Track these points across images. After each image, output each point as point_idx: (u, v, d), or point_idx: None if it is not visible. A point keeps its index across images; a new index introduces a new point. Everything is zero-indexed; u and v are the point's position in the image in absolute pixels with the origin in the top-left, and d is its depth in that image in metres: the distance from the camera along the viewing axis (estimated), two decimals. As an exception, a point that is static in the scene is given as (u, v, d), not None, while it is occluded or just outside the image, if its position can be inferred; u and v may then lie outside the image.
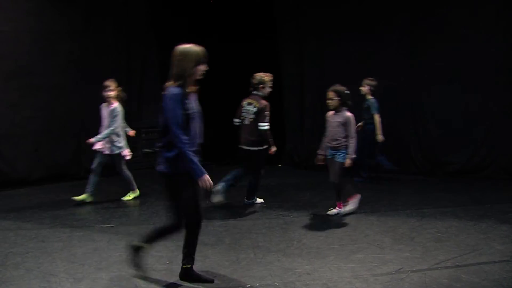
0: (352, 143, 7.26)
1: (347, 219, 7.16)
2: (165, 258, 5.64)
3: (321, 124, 11.64)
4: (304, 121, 11.90)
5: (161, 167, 4.75)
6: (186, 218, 4.82)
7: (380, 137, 9.68)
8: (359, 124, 9.73)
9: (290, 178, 10.33)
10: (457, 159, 10.16)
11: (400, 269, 5.16)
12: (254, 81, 7.95)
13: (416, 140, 10.71)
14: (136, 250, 5.03)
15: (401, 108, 10.63)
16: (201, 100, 5.12)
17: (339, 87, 7.39)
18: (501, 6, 9.63)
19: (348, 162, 7.26)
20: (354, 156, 7.28)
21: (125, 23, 11.28)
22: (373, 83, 9.83)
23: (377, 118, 9.69)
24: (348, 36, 11.27)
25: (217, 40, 12.31)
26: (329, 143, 7.44)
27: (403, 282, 4.81)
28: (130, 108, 11.51)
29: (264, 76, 7.94)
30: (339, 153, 7.32)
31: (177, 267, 5.31)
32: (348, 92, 7.40)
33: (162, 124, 4.70)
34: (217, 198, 7.88)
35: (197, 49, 4.85)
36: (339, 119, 7.34)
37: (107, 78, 8.64)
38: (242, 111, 8.01)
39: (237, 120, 8.11)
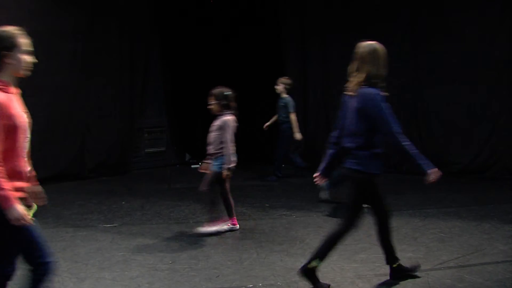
0: (228, 150, 6.60)
1: (350, 219, 7.15)
2: (168, 258, 5.64)
3: (325, 124, 11.77)
4: (307, 121, 11.90)
5: (354, 166, 4.65)
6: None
7: (298, 135, 9.78)
8: (267, 124, 10.34)
9: (293, 178, 10.32)
10: (461, 159, 10.15)
11: (403, 269, 5.16)
12: None
13: (418, 139, 10.69)
14: (311, 273, 4.71)
15: (404, 107, 10.61)
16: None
17: (217, 90, 6.80)
18: (506, 6, 9.63)
19: (225, 173, 6.59)
20: (231, 165, 6.61)
21: (128, 23, 11.28)
22: (288, 81, 9.94)
23: (293, 116, 9.79)
24: (351, 36, 11.24)
25: (221, 40, 12.34)
26: (208, 149, 6.86)
27: (406, 283, 4.82)
28: (133, 108, 11.56)
29: None
30: (216, 161, 6.71)
31: (180, 266, 5.34)
32: (229, 93, 6.77)
33: (351, 126, 4.65)
34: (323, 195, 8.16)
35: (382, 48, 4.78)
36: (218, 123, 6.71)
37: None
38: None
39: None
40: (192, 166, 12.53)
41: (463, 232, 6.39)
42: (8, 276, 3.54)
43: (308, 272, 4.68)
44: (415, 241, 6.08)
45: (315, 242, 6.10)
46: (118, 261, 5.57)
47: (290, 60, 12.11)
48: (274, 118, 10.31)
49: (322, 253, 4.72)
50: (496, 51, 9.63)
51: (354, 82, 4.62)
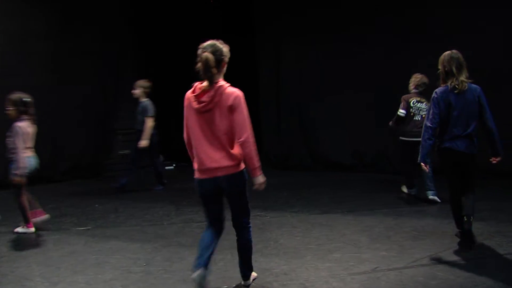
0: (19, 156, 6.53)
1: (323, 219, 7.19)
2: (142, 260, 5.61)
3: (298, 125, 11.83)
4: (281, 122, 11.95)
5: (470, 149, 5.70)
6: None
7: (144, 143, 9.12)
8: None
9: (267, 178, 10.28)
10: (432, 158, 10.24)
11: (376, 267, 5.20)
12: (417, 82, 8.23)
13: (391, 139, 10.79)
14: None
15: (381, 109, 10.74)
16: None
17: (15, 96, 6.78)
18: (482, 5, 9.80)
19: (16, 179, 6.55)
20: (23, 172, 6.59)
21: (102, 24, 11.22)
22: (147, 84, 9.34)
23: (149, 122, 9.10)
24: (326, 37, 11.36)
25: (196, 42, 12.32)
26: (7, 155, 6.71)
27: (380, 281, 4.85)
28: (106, 110, 11.48)
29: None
30: (12, 166, 6.62)
31: (154, 268, 5.31)
32: (27, 100, 6.82)
33: (470, 116, 5.67)
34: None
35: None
36: (12, 129, 6.63)
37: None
38: (412, 106, 8.16)
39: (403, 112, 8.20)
40: (166, 167, 12.50)
41: (435, 230, 6.47)
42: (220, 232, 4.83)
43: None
44: (388, 240, 6.13)
45: (289, 242, 6.15)
46: (91, 264, 5.53)
47: (263, 61, 12.16)
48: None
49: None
50: (469, 51, 9.76)
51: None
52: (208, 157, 4.41)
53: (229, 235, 6.47)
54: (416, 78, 8.32)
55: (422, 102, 8.13)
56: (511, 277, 4.81)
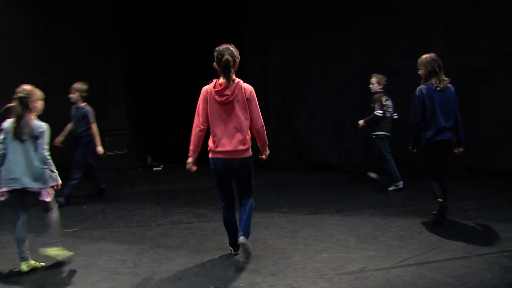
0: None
1: (311, 219, 7.20)
2: (130, 262, 5.59)
3: (287, 124, 11.84)
4: (270, 121, 11.95)
5: (453, 139, 6.63)
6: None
7: (101, 149, 8.68)
8: (60, 138, 8.63)
9: (255, 179, 10.30)
10: (419, 158, 10.32)
11: (364, 268, 5.22)
12: (382, 81, 8.89)
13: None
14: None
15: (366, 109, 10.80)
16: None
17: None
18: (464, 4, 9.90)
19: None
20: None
21: (88, 24, 11.14)
22: (84, 87, 8.66)
23: (95, 127, 8.61)
24: (314, 37, 11.40)
25: (184, 42, 12.30)
26: None
27: (367, 281, 4.86)
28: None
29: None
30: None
31: (142, 270, 5.30)
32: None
33: (452, 110, 6.56)
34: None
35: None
36: None
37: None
38: (384, 105, 8.80)
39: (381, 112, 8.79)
40: (154, 168, 12.47)
41: (422, 229, 6.49)
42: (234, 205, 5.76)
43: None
44: (376, 240, 6.15)
45: (277, 243, 6.15)
46: (79, 266, 5.49)
47: (251, 60, 12.16)
48: (68, 129, 8.75)
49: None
50: (451, 51, 9.88)
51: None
52: (227, 141, 5.34)
53: (217, 236, 6.51)
54: (380, 78, 8.90)
55: (388, 100, 8.85)
56: (498, 276, 4.85)
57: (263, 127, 5.52)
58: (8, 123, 5.42)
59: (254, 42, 12.10)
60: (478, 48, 9.96)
